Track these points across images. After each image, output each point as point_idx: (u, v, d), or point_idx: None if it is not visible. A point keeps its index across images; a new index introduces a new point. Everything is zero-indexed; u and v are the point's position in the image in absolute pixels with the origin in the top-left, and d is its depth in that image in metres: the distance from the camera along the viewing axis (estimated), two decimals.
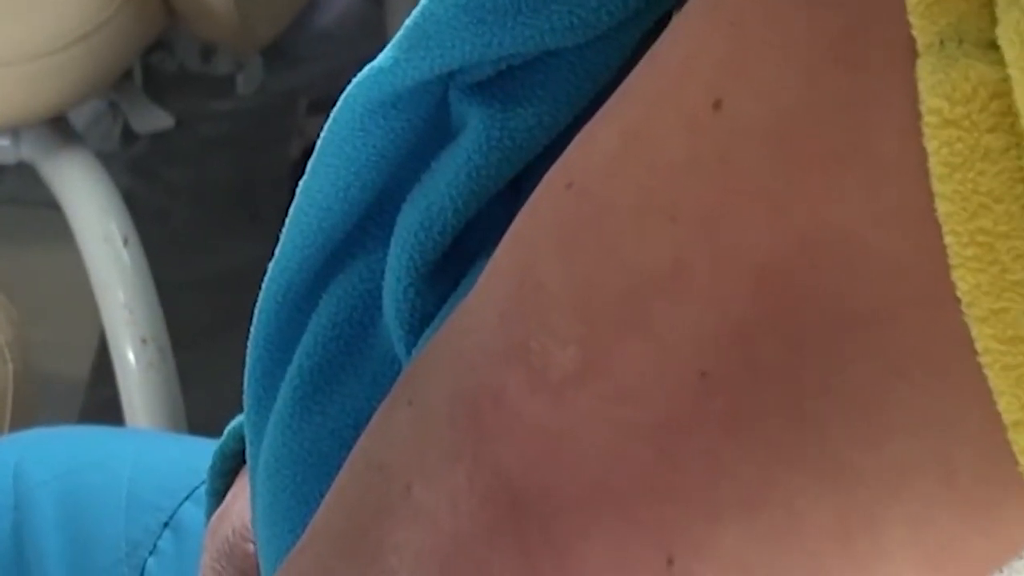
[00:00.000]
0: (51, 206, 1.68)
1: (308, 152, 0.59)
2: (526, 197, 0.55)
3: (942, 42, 0.45)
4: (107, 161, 1.73)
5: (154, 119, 1.81)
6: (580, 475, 0.49)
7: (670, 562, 0.47)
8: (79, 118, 1.79)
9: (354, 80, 0.57)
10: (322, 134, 0.58)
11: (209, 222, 1.89)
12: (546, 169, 0.56)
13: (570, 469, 0.49)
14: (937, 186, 0.44)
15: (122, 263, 1.60)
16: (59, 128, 1.71)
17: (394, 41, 0.56)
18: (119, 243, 1.61)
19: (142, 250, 1.63)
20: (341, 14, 1.95)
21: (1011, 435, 0.43)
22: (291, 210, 0.59)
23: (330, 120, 0.58)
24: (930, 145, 0.44)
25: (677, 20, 0.54)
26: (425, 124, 0.59)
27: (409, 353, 0.56)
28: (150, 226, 1.71)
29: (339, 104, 0.57)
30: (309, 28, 1.94)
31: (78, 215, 1.64)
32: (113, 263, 1.60)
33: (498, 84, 0.59)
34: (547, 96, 0.59)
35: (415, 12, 0.56)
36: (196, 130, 1.90)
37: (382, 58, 0.56)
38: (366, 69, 0.56)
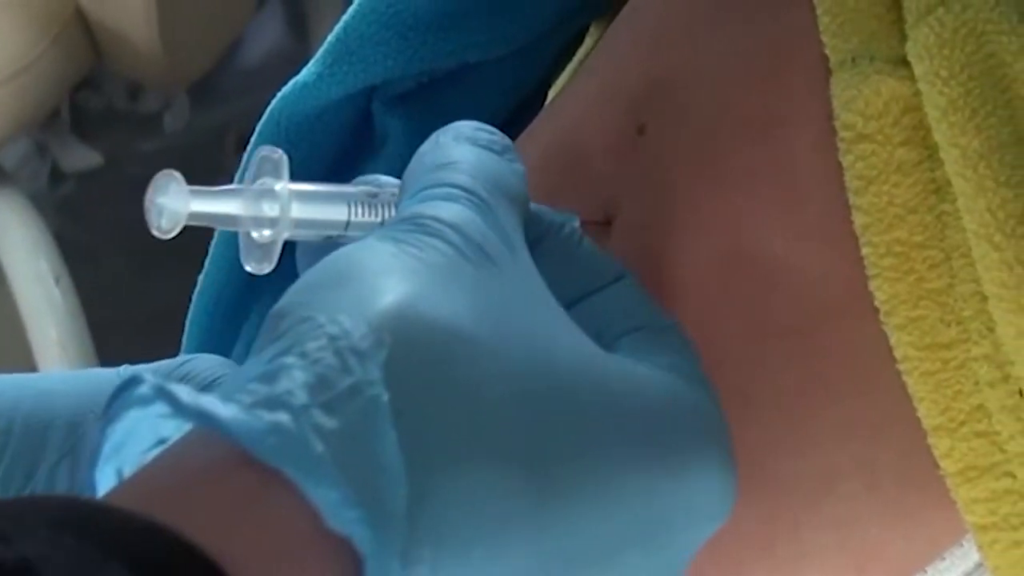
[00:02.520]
0: None
1: None
2: None
3: (854, 59, 0.46)
4: (36, 201, 1.71)
5: (82, 158, 1.80)
6: None
7: None
8: (8, 158, 1.78)
9: (278, 95, 0.57)
10: (248, 149, 0.59)
11: (139, 261, 1.87)
12: None
13: None
14: (853, 199, 0.45)
15: (54, 302, 1.59)
16: None
17: (317, 56, 0.57)
18: (50, 282, 1.59)
19: (74, 289, 1.62)
20: (266, 51, 1.94)
21: (931, 440, 0.44)
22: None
23: (255, 135, 0.58)
24: (845, 160, 0.46)
25: (600, 43, 0.55)
26: (349, 137, 0.60)
27: None
28: (80, 265, 1.69)
29: (264, 119, 0.58)
30: (235, 66, 1.93)
31: (9, 255, 1.63)
32: (45, 302, 1.59)
33: (420, 96, 0.60)
34: (469, 108, 0.60)
35: (337, 27, 0.57)
36: (124, 169, 1.88)
37: (306, 73, 0.57)
38: (290, 84, 0.57)
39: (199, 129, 1.88)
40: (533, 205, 0.45)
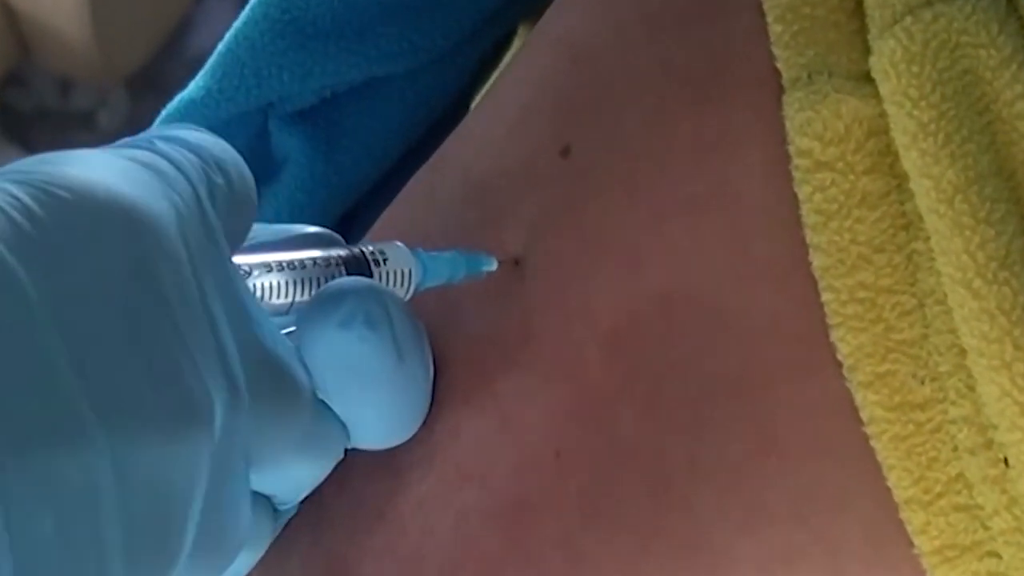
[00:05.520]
0: None
1: None
2: (358, 237, 0.52)
3: (810, 75, 0.41)
4: None
5: (12, 159, 1.78)
6: (425, 567, 0.44)
7: None
8: None
9: (163, 112, 0.53)
10: None
11: None
12: (379, 206, 0.53)
13: (415, 561, 0.45)
14: (811, 237, 0.40)
15: None
16: None
17: (206, 69, 0.53)
18: None
19: None
20: (217, 37, 1.91)
21: (904, 514, 0.40)
22: None
23: None
24: (801, 191, 0.41)
25: (519, 56, 0.50)
26: (244, 160, 0.56)
27: None
28: None
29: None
30: (182, 54, 1.90)
31: None
32: None
33: (322, 113, 0.55)
34: (376, 125, 0.56)
35: (227, 36, 0.53)
36: None
37: (193, 88, 0.53)
38: (175, 100, 0.53)
39: (140, 124, 1.84)
40: (444, 252, 0.44)
